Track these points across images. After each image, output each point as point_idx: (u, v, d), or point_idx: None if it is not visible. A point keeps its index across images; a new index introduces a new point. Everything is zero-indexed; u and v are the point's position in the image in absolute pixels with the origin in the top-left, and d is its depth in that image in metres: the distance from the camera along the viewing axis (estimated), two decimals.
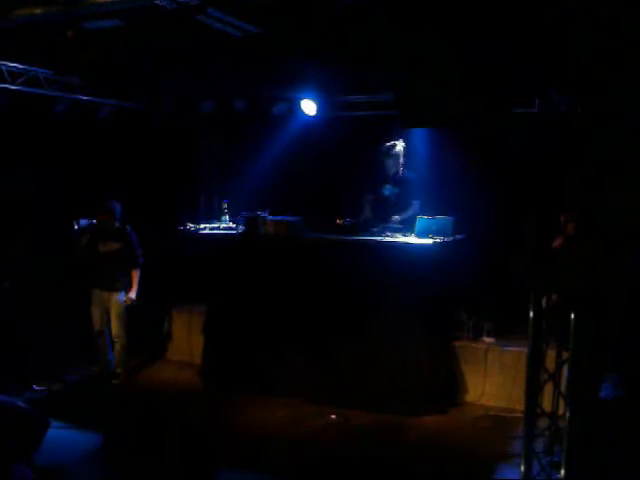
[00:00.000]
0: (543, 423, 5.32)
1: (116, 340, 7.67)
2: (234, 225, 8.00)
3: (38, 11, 5.22)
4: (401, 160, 7.50)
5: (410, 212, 7.37)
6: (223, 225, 8.07)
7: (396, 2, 4.82)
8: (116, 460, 5.77)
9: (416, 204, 7.42)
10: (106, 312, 7.61)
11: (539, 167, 5.89)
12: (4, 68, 7.07)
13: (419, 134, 7.93)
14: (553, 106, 6.12)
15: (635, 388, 5.20)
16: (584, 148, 5.15)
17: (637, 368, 5.23)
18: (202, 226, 8.14)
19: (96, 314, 7.63)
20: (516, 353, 6.70)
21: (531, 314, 4.90)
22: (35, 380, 7.28)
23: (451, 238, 6.91)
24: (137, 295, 7.68)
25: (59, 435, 6.04)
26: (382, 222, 7.37)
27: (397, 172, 7.53)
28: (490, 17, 4.81)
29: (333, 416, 6.61)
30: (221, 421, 6.35)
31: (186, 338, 8.45)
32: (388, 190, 7.60)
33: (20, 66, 7.20)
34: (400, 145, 7.50)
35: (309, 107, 8.05)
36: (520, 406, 5.35)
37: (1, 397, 5.54)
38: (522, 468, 4.89)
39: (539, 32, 4.81)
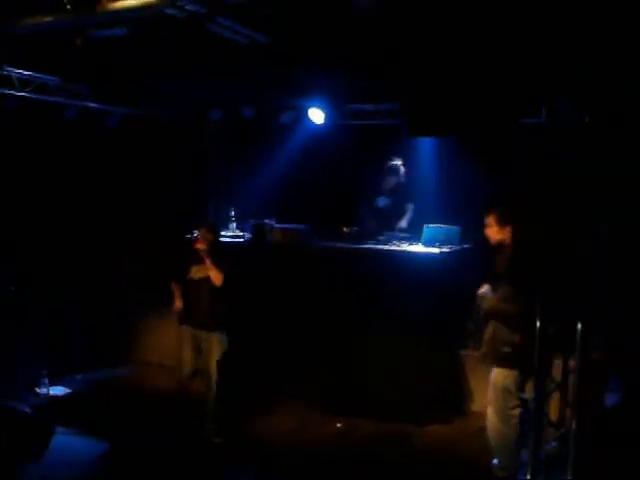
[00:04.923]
0: (550, 432, 5.30)
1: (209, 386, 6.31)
2: (241, 233, 8.02)
3: (48, 19, 5.25)
4: (402, 180, 7.66)
5: (408, 217, 7.49)
6: (230, 233, 8.09)
7: (403, 12, 4.84)
8: (122, 466, 5.79)
9: (410, 207, 7.54)
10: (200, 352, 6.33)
11: (547, 176, 5.89)
12: (14, 75, 7.11)
13: (426, 143, 7.94)
14: (560, 115, 6.12)
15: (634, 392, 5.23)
16: (592, 157, 5.16)
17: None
18: None
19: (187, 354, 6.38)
20: None
21: (537, 323, 4.90)
22: (39, 385, 7.30)
23: (458, 247, 6.91)
24: None
25: (64, 441, 6.06)
26: (387, 231, 7.39)
27: (397, 186, 7.66)
28: (495, 26, 4.82)
29: (339, 424, 6.60)
30: (226, 428, 6.33)
31: None
32: (382, 201, 7.69)
33: (29, 73, 7.23)
34: (400, 164, 7.67)
35: (317, 116, 8.06)
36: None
37: (6, 402, 5.56)
38: (528, 477, 4.88)
39: (543, 40, 4.82)
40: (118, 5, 4.94)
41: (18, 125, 7.40)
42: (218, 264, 6.06)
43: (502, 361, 5.15)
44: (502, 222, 5.16)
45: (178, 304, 6.35)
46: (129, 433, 6.40)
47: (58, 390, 7.45)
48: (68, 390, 7.56)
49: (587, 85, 5.18)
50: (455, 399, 6.95)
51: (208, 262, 6.06)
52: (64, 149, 7.96)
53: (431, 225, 7.00)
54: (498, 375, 5.18)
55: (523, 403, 5.16)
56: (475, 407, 7.00)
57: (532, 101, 6.07)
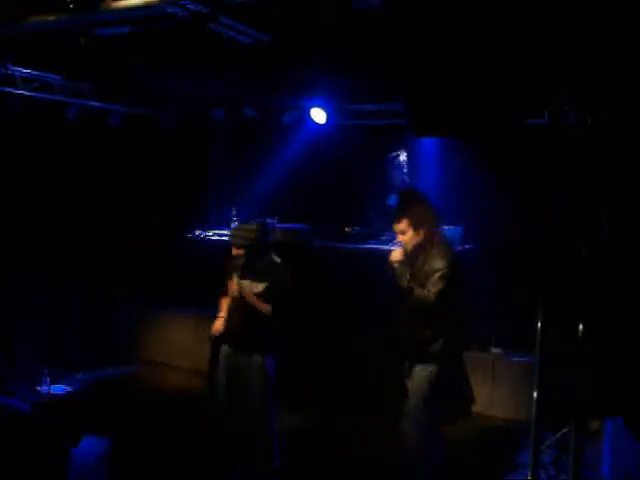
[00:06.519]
0: (551, 434, 5.30)
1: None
2: None
3: (51, 18, 5.26)
4: (405, 170, 7.56)
5: None
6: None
7: (406, 11, 4.83)
8: (124, 465, 5.78)
9: None
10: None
11: (548, 177, 5.88)
12: (17, 74, 7.11)
13: (428, 143, 7.93)
14: (562, 116, 6.12)
15: None
16: (595, 159, 5.15)
17: None
18: (210, 233, 8.17)
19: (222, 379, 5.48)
20: (524, 364, 6.68)
21: (539, 324, 4.90)
22: (40, 383, 7.31)
23: (460, 248, 6.90)
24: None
25: None
26: (390, 231, 7.38)
27: (402, 182, 7.57)
28: (499, 26, 4.81)
29: (339, 423, 6.62)
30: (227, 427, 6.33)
31: (193, 344, 8.46)
32: (393, 200, 7.64)
33: (33, 72, 7.24)
34: (403, 155, 7.56)
35: (319, 115, 8.06)
36: (527, 417, 5.33)
37: (8, 400, 5.56)
38: (529, 478, 4.88)
39: (547, 40, 4.81)
40: (121, 4, 4.94)
41: (21, 123, 7.41)
42: None
43: (425, 355, 4.74)
44: (417, 226, 4.75)
45: (220, 325, 5.56)
46: (129, 432, 6.40)
47: (59, 389, 7.46)
48: (69, 389, 7.56)
49: (589, 86, 5.17)
50: None
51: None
52: (66, 148, 7.97)
53: None
54: (415, 378, 4.81)
55: None
56: (476, 408, 6.94)
57: (535, 101, 6.06)
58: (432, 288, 4.53)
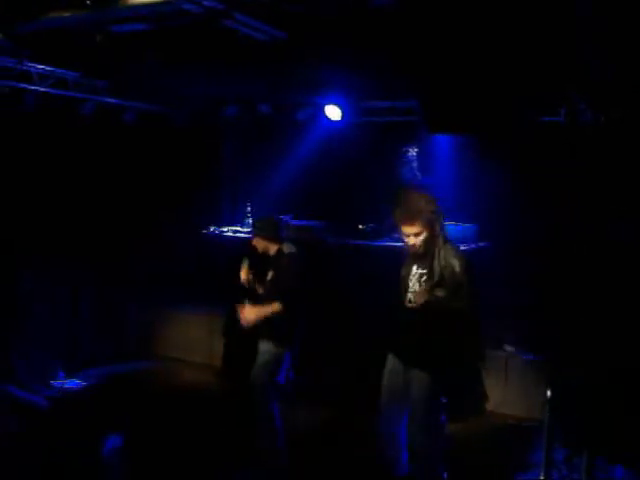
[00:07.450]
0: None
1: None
2: None
3: (67, 14, 5.28)
4: (415, 165, 7.51)
5: None
6: (246, 229, 8.11)
7: (422, 9, 4.83)
8: (137, 460, 5.82)
9: None
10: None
11: (565, 175, 5.85)
12: (33, 70, 7.15)
13: (442, 140, 7.91)
14: (578, 115, 6.10)
15: None
16: (610, 158, 5.13)
17: None
18: (225, 229, 8.19)
19: None
20: (537, 362, 6.65)
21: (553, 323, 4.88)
22: (54, 378, 7.37)
23: (474, 246, 6.89)
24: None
25: None
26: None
27: (414, 178, 7.53)
28: (515, 25, 4.80)
29: (350, 422, 6.62)
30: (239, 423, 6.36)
31: (206, 340, 8.49)
32: None
33: (49, 68, 7.27)
34: (413, 151, 7.50)
35: (334, 112, 8.04)
36: (540, 415, 5.31)
37: (23, 394, 5.61)
38: (542, 478, 4.87)
39: (562, 40, 4.79)
40: (137, 0, 4.96)
41: (36, 119, 7.45)
42: None
43: (432, 364, 4.65)
44: (430, 226, 4.61)
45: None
46: (143, 427, 6.44)
47: (73, 383, 7.52)
48: (83, 383, 7.62)
49: (600, 84, 5.15)
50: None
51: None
52: (79, 144, 7.99)
53: (447, 223, 6.96)
54: (423, 381, 4.71)
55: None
56: (489, 406, 6.92)
57: (551, 99, 6.04)
58: (467, 307, 4.50)
